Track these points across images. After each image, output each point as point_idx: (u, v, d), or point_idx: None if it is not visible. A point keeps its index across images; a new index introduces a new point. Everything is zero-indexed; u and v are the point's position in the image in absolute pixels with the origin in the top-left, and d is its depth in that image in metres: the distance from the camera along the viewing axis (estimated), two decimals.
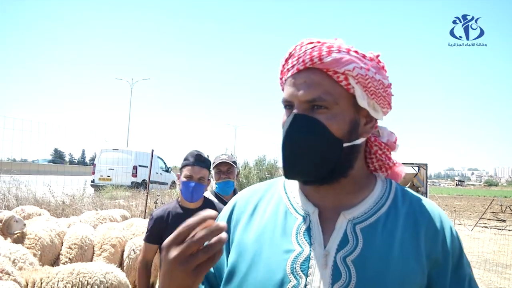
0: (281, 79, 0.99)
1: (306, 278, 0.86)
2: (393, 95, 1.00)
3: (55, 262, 4.20)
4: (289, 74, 0.93)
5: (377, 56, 0.97)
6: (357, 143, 0.94)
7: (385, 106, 0.97)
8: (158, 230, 2.61)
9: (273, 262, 0.90)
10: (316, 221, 0.93)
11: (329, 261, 0.87)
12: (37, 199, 8.42)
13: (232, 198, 1.12)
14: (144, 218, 7.23)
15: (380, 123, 1.04)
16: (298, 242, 0.91)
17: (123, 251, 4.51)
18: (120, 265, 4.38)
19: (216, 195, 3.23)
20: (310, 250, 0.89)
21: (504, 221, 16.85)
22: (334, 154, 0.91)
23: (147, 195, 8.64)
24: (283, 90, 0.98)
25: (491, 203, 21.47)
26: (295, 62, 0.92)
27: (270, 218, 0.98)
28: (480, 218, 15.43)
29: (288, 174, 0.95)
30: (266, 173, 16.29)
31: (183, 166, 2.64)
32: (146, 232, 2.71)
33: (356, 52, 0.92)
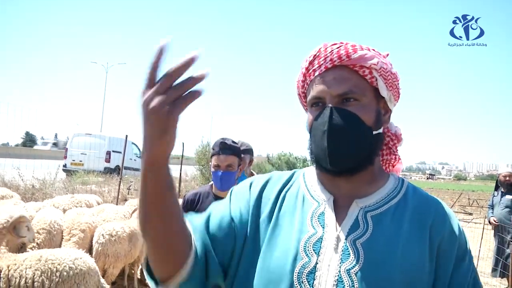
0: (303, 81, 1.07)
1: (318, 257, 0.94)
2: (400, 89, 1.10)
3: (22, 247, 4.11)
4: (316, 73, 1.02)
5: (387, 55, 1.08)
6: (380, 131, 1.04)
7: (396, 98, 1.08)
8: (185, 212, 2.63)
9: (288, 241, 0.98)
10: (331, 207, 1.01)
11: (340, 243, 0.95)
12: (5, 182, 8.21)
13: (269, 174, 1.16)
14: (117, 204, 7.14)
15: None
16: (312, 225, 0.99)
17: (93, 236, 4.45)
18: (90, 250, 4.32)
19: None
20: (323, 232, 0.97)
21: (471, 214, 17.38)
22: (368, 141, 0.99)
23: (120, 181, 8.55)
24: (303, 92, 1.08)
25: (459, 196, 22.16)
26: (322, 62, 1.00)
27: (290, 204, 1.06)
28: None
29: (331, 162, 0.99)
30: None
31: (211, 156, 2.65)
32: None
33: (374, 50, 1.03)
